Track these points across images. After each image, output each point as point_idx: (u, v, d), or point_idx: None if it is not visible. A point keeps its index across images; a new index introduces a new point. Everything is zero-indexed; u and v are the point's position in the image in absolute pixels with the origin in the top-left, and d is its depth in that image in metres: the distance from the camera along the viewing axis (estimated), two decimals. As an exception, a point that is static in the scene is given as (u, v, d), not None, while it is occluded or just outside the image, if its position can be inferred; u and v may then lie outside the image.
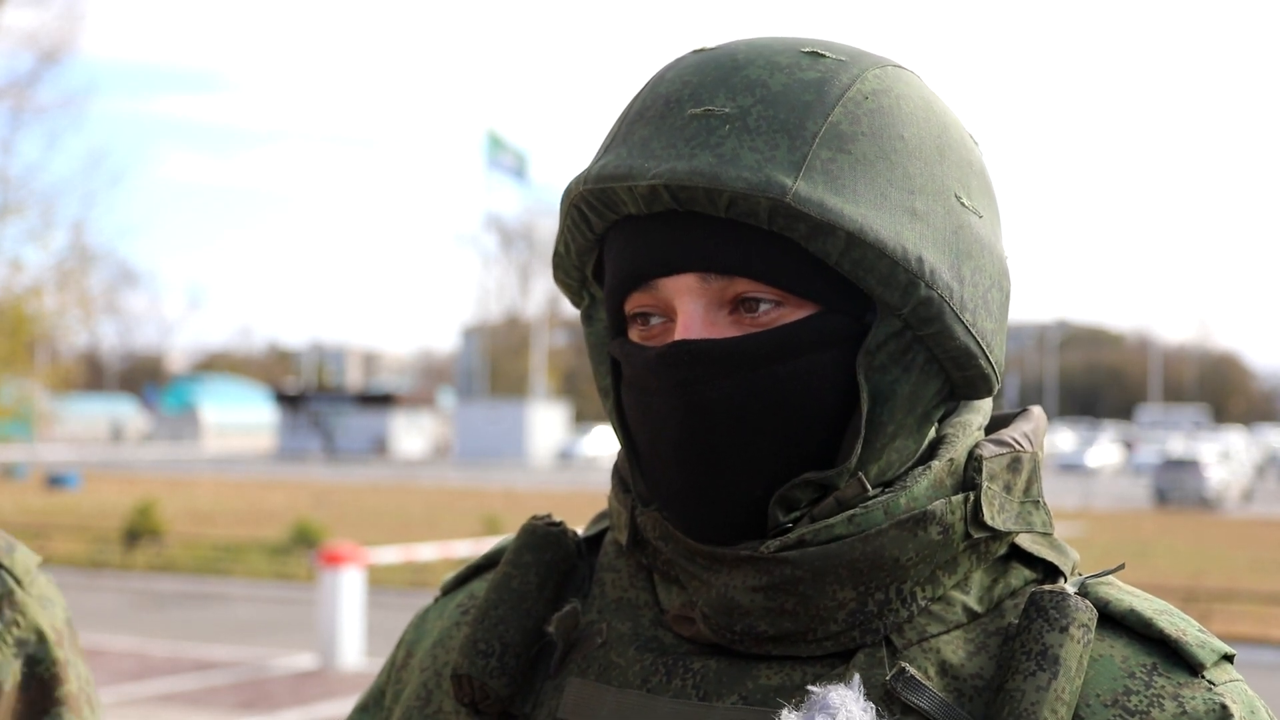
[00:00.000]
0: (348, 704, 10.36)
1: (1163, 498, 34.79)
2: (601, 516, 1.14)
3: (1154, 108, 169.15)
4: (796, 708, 0.95)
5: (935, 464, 0.99)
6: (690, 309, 0.98)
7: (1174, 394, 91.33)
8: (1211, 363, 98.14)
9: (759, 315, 0.97)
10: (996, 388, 1.03)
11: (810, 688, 0.95)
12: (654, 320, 1.01)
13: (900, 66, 1.04)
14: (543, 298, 68.97)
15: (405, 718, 1.11)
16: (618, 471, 1.08)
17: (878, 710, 0.94)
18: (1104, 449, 54.58)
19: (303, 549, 18.78)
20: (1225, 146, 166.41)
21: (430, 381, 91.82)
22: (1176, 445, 43.44)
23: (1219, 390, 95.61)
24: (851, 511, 0.96)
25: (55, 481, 34.04)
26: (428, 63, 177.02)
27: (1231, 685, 0.98)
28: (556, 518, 1.13)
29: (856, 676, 0.95)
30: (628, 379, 1.02)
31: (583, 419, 70.56)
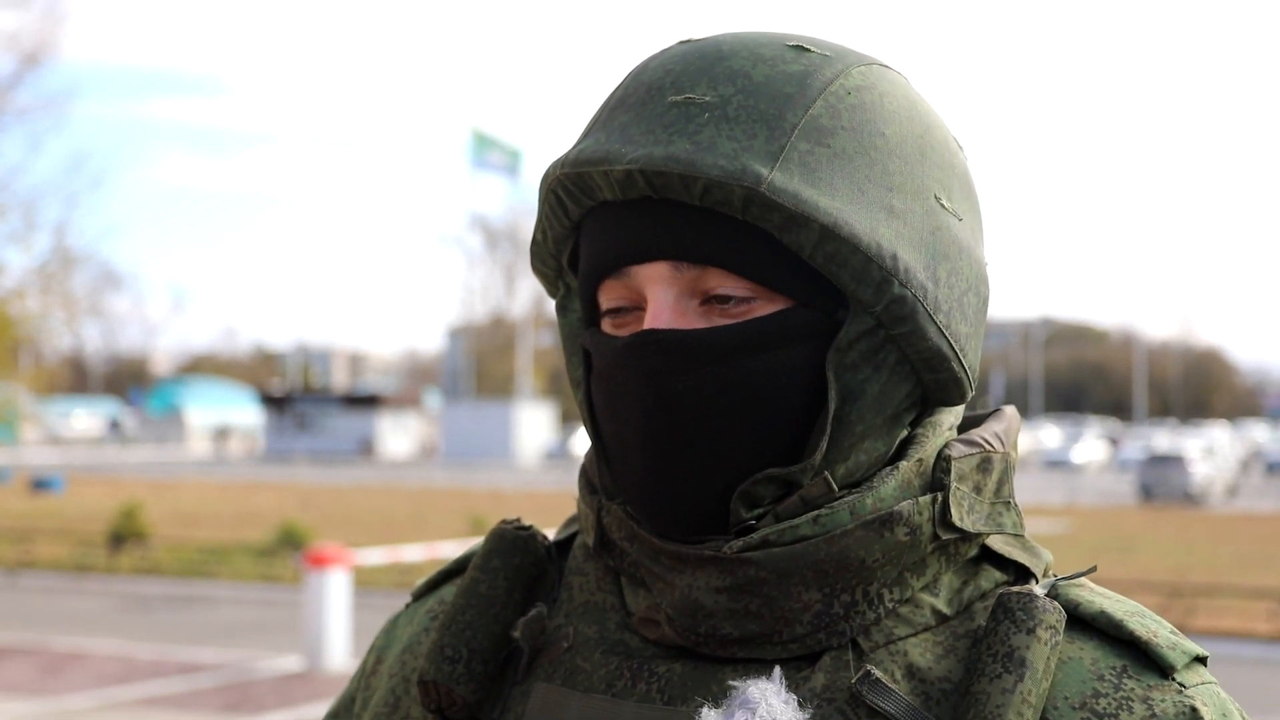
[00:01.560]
0: (334, 706, 10.33)
1: (1148, 494, 34.86)
2: (573, 520, 1.13)
3: (1138, 106, 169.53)
4: (717, 704, 0.94)
5: (903, 464, 0.98)
6: (660, 298, 0.97)
7: (1158, 390, 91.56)
8: (1195, 359, 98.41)
9: (730, 307, 0.96)
10: (970, 394, 1.02)
11: (731, 682, 0.94)
12: (627, 311, 1.00)
13: (886, 66, 1.03)
14: (528, 298, 68.91)
15: None
16: (585, 473, 1.08)
17: (799, 702, 0.93)
18: (1089, 445, 54.73)
19: (288, 551, 18.72)
20: (1208, 144, 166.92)
21: (416, 382, 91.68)
22: (1161, 441, 43.52)
23: (1203, 386, 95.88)
24: (817, 512, 0.95)
25: (39, 485, 33.91)
26: (411, 64, 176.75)
27: (1203, 688, 0.96)
28: (526, 521, 1.12)
29: (777, 669, 0.95)
30: (597, 370, 1.01)
31: (569, 419, 70.49)
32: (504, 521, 1.11)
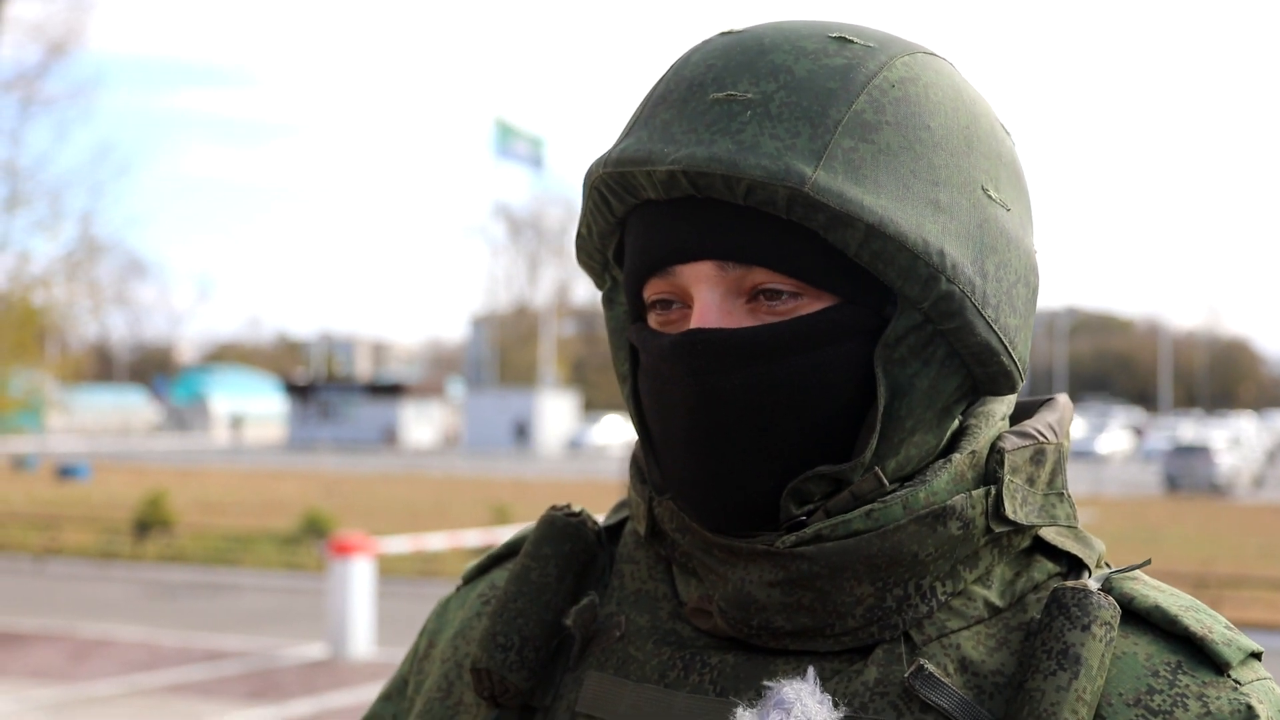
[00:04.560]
0: (358, 693, 10.37)
1: (1173, 484, 34.72)
2: (622, 505, 1.13)
3: (1164, 94, 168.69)
4: (751, 704, 0.94)
5: (956, 457, 0.97)
6: (707, 297, 0.96)
7: (1184, 380, 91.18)
8: (1221, 348, 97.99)
9: (776, 305, 0.96)
10: (1020, 385, 1.01)
11: (765, 683, 0.94)
12: (673, 306, 1.00)
13: (931, 54, 1.01)
14: (551, 287, 69.08)
15: (426, 709, 1.11)
16: (635, 461, 1.08)
17: (834, 702, 0.93)
18: (1114, 435, 54.51)
19: (312, 539, 18.81)
20: (1235, 133, 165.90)
21: (439, 371, 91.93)
22: (1187, 432, 43.33)
23: (1229, 376, 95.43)
24: (870, 506, 0.95)
25: (66, 472, 34.14)
26: (436, 55, 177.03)
27: (1259, 684, 0.95)
28: (576, 507, 1.12)
29: (811, 670, 0.94)
30: (644, 366, 1.01)
31: (592, 408, 70.61)
32: (554, 507, 1.11)
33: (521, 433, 56.45)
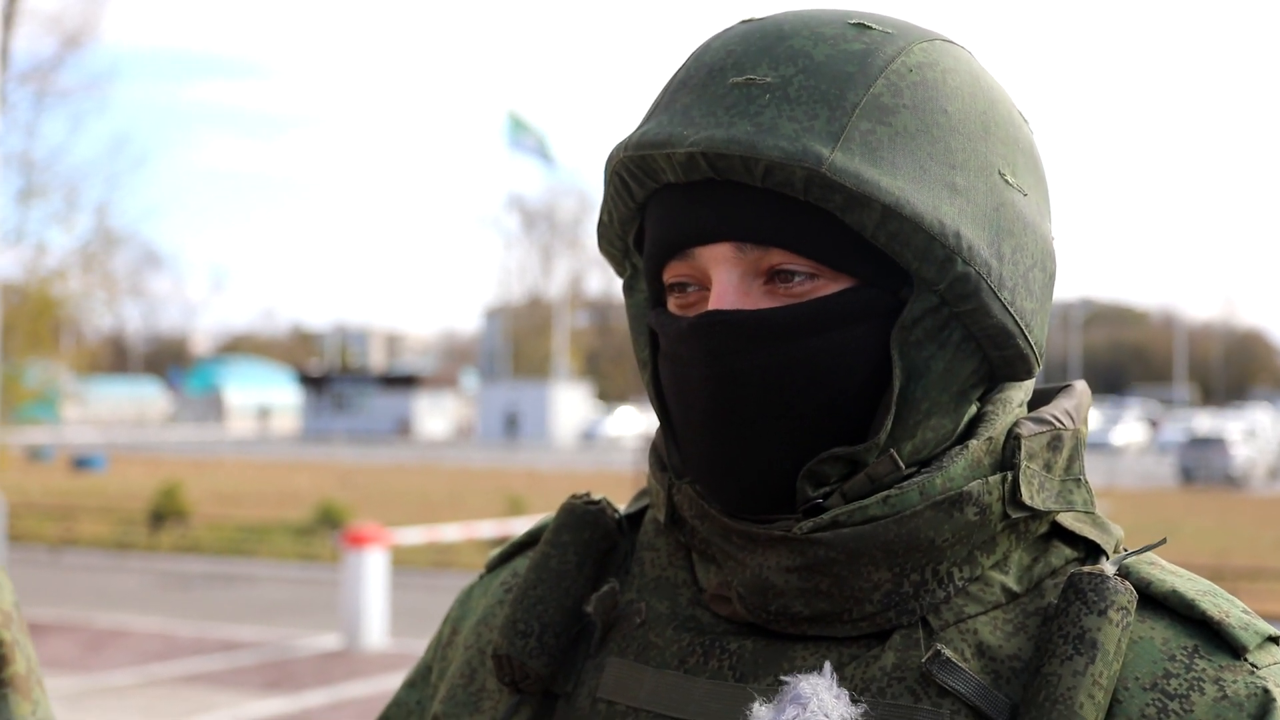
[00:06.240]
0: (372, 684, 10.40)
1: (1188, 476, 34.64)
2: (643, 494, 1.14)
3: (1179, 83, 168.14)
4: (769, 699, 0.95)
5: (973, 443, 0.98)
6: (725, 279, 0.97)
7: (1199, 372, 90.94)
8: (1237, 340, 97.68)
9: (793, 287, 0.96)
10: (1037, 369, 1.01)
11: (783, 678, 0.95)
12: (691, 289, 1.00)
13: (949, 41, 1.02)
14: (565, 278, 69.14)
15: (449, 696, 1.12)
16: (655, 450, 1.09)
17: (851, 697, 0.94)
18: (1129, 427, 54.38)
19: (327, 530, 18.86)
20: (1251, 123, 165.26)
21: (453, 362, 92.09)
22: (1202, 423, 43.19)
23: (1245, 368, 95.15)
24: (886, 492, 0.95)
25: (81, 463, 34.28)
26: (449, 47, 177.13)
27: (1276, 668, 0.95)
28: (596, 495, 1.13)
29: (828, 665, 0.95)
30: (663, 350, 1.02)
31: (606, 399, 70.65)
32: (574, 496, 1.12)
33: (512, 424, 56.57)
